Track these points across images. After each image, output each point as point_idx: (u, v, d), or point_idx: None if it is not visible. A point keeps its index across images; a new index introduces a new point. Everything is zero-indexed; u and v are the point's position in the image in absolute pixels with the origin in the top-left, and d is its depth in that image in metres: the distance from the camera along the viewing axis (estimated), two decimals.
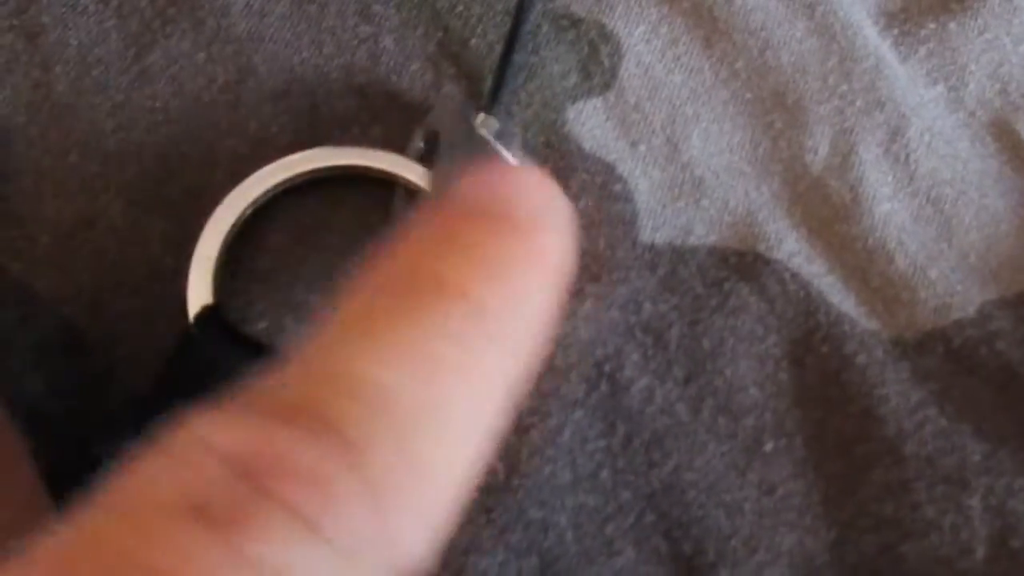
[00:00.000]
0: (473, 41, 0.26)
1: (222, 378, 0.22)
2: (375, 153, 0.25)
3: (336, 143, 0.25)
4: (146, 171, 0.24)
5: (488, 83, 0.26)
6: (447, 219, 0.14)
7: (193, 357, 0.22)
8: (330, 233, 0.24)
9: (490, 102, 0.25)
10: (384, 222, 0.25)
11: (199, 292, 0.23)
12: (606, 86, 0.26)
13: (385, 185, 0.25)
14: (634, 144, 0.26)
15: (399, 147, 0.25)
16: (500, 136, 0.25)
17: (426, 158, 0.25)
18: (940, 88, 0.27)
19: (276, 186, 0.24)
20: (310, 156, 0.24)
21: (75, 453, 0.21)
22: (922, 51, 0.27)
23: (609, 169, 0.25)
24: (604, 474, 0.22)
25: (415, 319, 0.13)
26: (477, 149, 0.24)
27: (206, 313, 0.23)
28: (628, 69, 0.26)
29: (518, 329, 0.14)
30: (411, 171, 0.24)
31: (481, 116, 0.25)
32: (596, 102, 0.26)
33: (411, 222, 0.14)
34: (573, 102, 0.26)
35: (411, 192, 0.25)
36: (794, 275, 0.24)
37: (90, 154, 0.24)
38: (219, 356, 0.22)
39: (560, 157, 0.25)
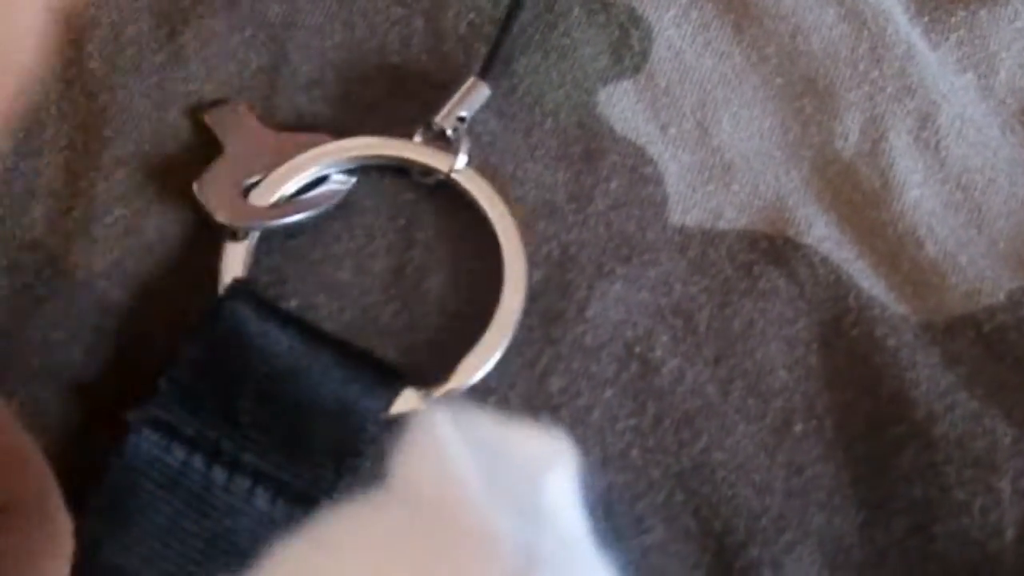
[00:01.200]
0: None
1: (252, 350, 0.22)
2: (414, 145, 0.25)
3: (368, 125, 0.25)
4: (182, 152, 0.25)
5: (515, 63, 0.26)
6: None
7: (222, 328, 0.22)
8: (364, 214, 0.24)
9: (485, 68, 0.25)
10: (416, 205, 0.25)
11: (232, 267, 0.23)
12: (636, 69, 0.26)
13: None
14: (664, 127, 0.26)
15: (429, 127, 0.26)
16: (487, 106, 0.25)
17: (454, 143, 0.25)
18: (970, 76, 0.27)
19: (317, 171, 0.24)
20: (353, 145, 0.24)
21: (109, 421, 0.21)
22: (952, 39, 0.27)
23: (639, 152, 0.25)
24: (634, 453, 0.22)
25: None
26: (261, 151, 0.24)
27: (237, 286, 0.23)
28: (658, 53, 0.26)
29: None
30: (443, 161, 0.24)
31: (471, 79, 0.25)
32: (627, 85, 0.26)
33: None
34: (604, 84, 0.26)
35: (442, 182, 0.25)
36: (824, 259, 0.24)
37: (124, 131, 0.25)
38: (249, 328, 0.22)
39: (592, 138, 0.25)
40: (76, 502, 0.20)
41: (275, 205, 0.24)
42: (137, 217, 0.24)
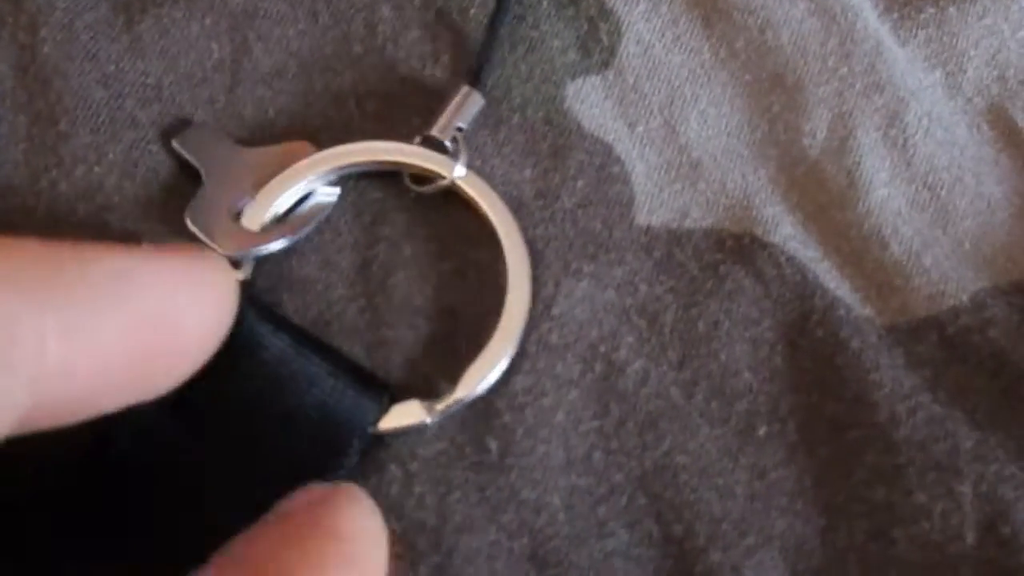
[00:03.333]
0: (472, 11, 0.26)
1: (244, 354, 0.21)
2: (414, 150, 0.24)
3: (331, 118, 0.25)
4: (140, 143, 0.24)
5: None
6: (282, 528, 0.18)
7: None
8: (329, 210, 0.24)
9: (475, 76, 0.25)
10: (382, 202, 0.24)
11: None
12: (605, 64, 0.26)
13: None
14: (632, 125, 0.26)
15: (394, 121, 0.25)
16: (482, 115, 0.25)
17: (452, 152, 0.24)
18: (938, 74, 0.27)
19: (308, 183, 0.24)
20: (349, 151, 0.24)
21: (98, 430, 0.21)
22: (921, 36, 0.27)
23: (607, 150, 0.25)
24: (597, 456, 0.22)
25: None
26: (241, 170, 0.23)
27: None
28: (627, 48, 0.26)
29: None
30: (445, 167, 0.24)
31: (465, 88, 0.25)
32: (595, 80, 0.26)
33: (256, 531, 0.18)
34: (572, 78, 0.26)
35: (416, 178, 0.24)
36: (790, 259, 0.24)
37: (81, 123, 0.24)
38: (243, 332, 0.21)
39: (559, 135, 0.25)
40: (46, 503, 0.19)
41: (270, 226, 0.23)
42: (100, 213, 0.23)
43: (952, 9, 0.27)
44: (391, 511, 0.22)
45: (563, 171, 0.25)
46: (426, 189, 0.24)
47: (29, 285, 0.16)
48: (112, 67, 0.25)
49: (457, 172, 0.24)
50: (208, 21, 0.25)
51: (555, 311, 0.23)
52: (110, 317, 0.17)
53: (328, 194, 0.24)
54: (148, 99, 0.24)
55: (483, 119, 0.25)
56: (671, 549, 0.21)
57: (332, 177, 0.24)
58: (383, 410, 0.22)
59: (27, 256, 0.17)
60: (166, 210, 0.24)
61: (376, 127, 0.25)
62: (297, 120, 0.25)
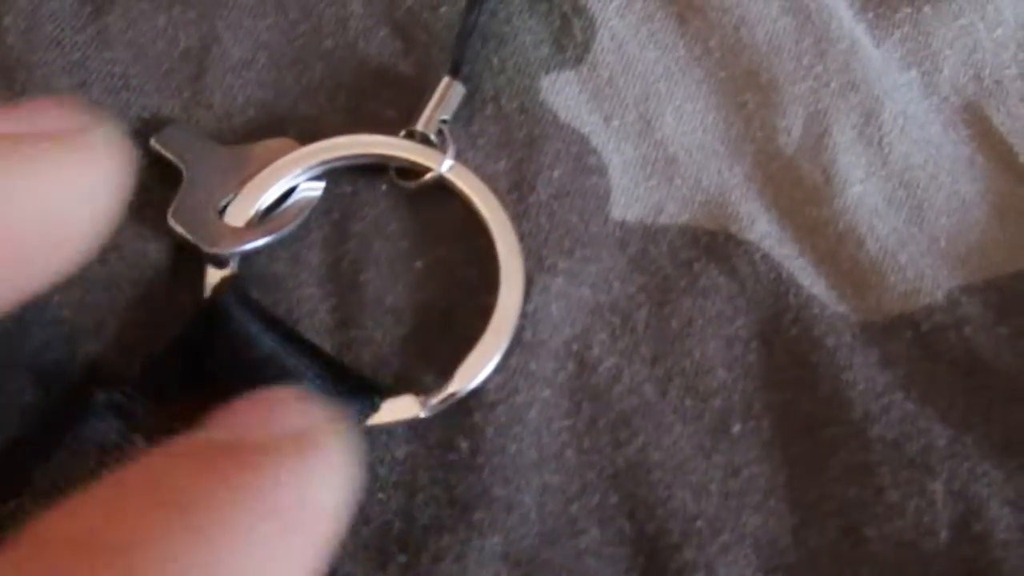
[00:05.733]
0: (443, 9, 0.26)
1: (233, 348, 0.21)
2: (401, 143, 0.24)
3: (302, 110, 0.25)
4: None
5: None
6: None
7: (207, 323, 0.21)
8: (315, 205, 0.24)
9: (455, 67, 0.25)
10: (352, 198, 0.24)
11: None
12: (579, 60, 0.26)
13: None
14: (607, 119, 0.25)
15: (366, 114, 0.25)
16: (467, 103, 0.25)
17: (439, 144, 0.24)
18: (914, 73, 0.27)
19: (292, 178, 0.23)
20: (336, 145, 0.24)
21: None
22: (896, 35, 0.27)
23: (583, 140, 0.25)
24: (569, 453, 0.22)
25: None
26: (224, 168, 0.23)
27: (229, 282, 0.22)
28: (601, 44, 0.26)
29: None
30: (433, 160, 0.24)
31: (446, 79, 0.24)
32: (569, 75, 0.26)
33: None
34: (546, 72, 0.25)
35: (401, 172, 0.24)
36: (765, 256, 0.24)
37: None
38: (233, 326, 0.21)
39: (535, 123, 0.25)
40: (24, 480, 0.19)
41: (257, 222, 0.23)
42: None
43: (928, 8, 0.27)
44: (355, 517, 0.21)
45: (539, 161, 0.24)
46: (414, 184, 0.24)
47: None
48: (77, 55, 0.24)
49: (445, 165, 0.24)
50: (176, 11, 0.25)
51: (529, 308, 0.23)
52: None
53: (312, 188, 0.24)
54: (114, 88, 0.24)
55: (455, 112, 0.25)
56: (644, 547, 0.21)
57: (316, 172, 0.24)
58: (373, 409, 0.21)
59: None
60: (131, 204, 0.23)
61: (348, 120, 0.25)
62: (266, 112, 0.25)
